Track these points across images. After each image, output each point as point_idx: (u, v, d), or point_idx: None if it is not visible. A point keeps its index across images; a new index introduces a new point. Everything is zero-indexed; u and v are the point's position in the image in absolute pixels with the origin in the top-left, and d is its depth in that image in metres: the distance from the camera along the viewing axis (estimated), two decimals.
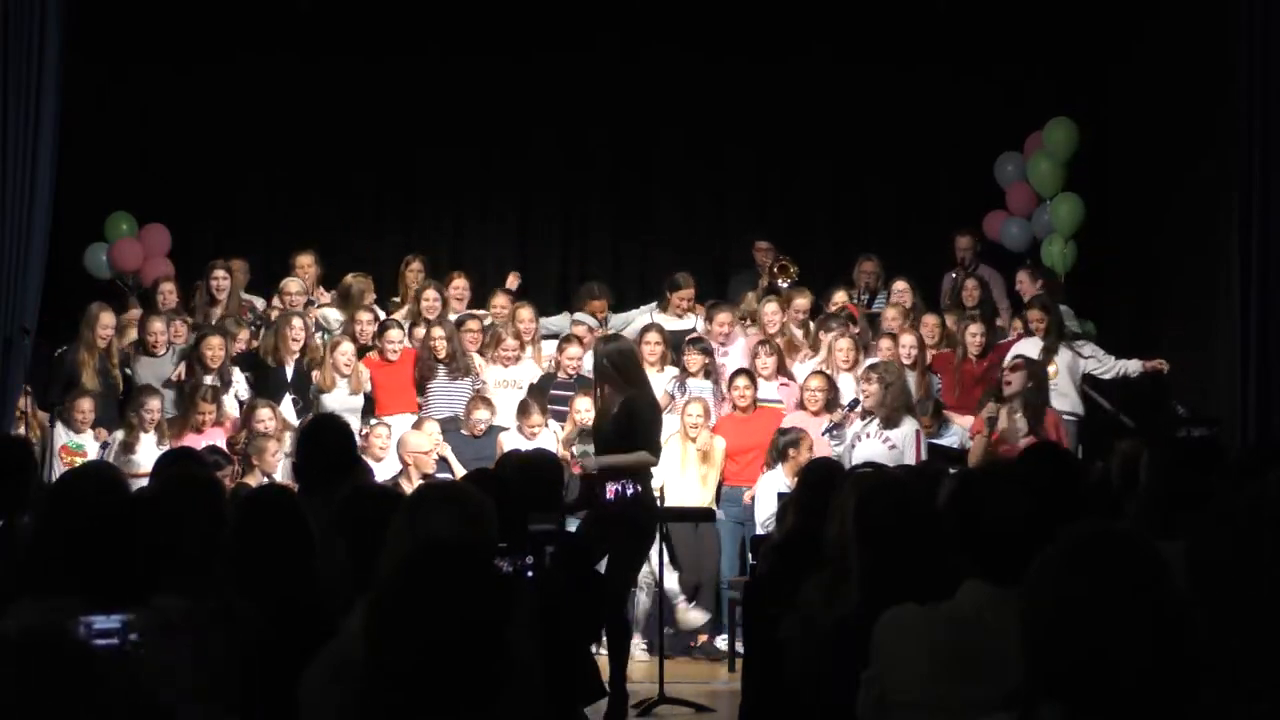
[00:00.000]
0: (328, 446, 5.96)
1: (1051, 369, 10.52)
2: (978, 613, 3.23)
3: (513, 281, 12.26)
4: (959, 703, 3.13)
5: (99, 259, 12.20)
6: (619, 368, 8.46)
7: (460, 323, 11.27)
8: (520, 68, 13.16)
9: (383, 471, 9.92)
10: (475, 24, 13.12)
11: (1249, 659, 2.16)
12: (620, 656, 8.01)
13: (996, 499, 3.38)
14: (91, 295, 11.34)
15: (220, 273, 11.51)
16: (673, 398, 10.58)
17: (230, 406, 10.56)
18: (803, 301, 11.67)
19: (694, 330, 11.49)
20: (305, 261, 11.90)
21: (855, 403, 10.21)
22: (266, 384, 10.75)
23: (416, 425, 10.50)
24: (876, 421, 9.96)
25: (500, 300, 11.77)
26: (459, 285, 11.88)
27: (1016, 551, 3.03)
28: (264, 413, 10.13)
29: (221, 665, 3.48)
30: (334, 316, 11.58)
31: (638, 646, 9.73)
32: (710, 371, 10.85)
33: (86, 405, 10.30)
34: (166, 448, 9.79)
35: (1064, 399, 10.56)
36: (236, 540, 4.13)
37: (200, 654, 3.43)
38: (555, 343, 11.46)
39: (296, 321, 10.92)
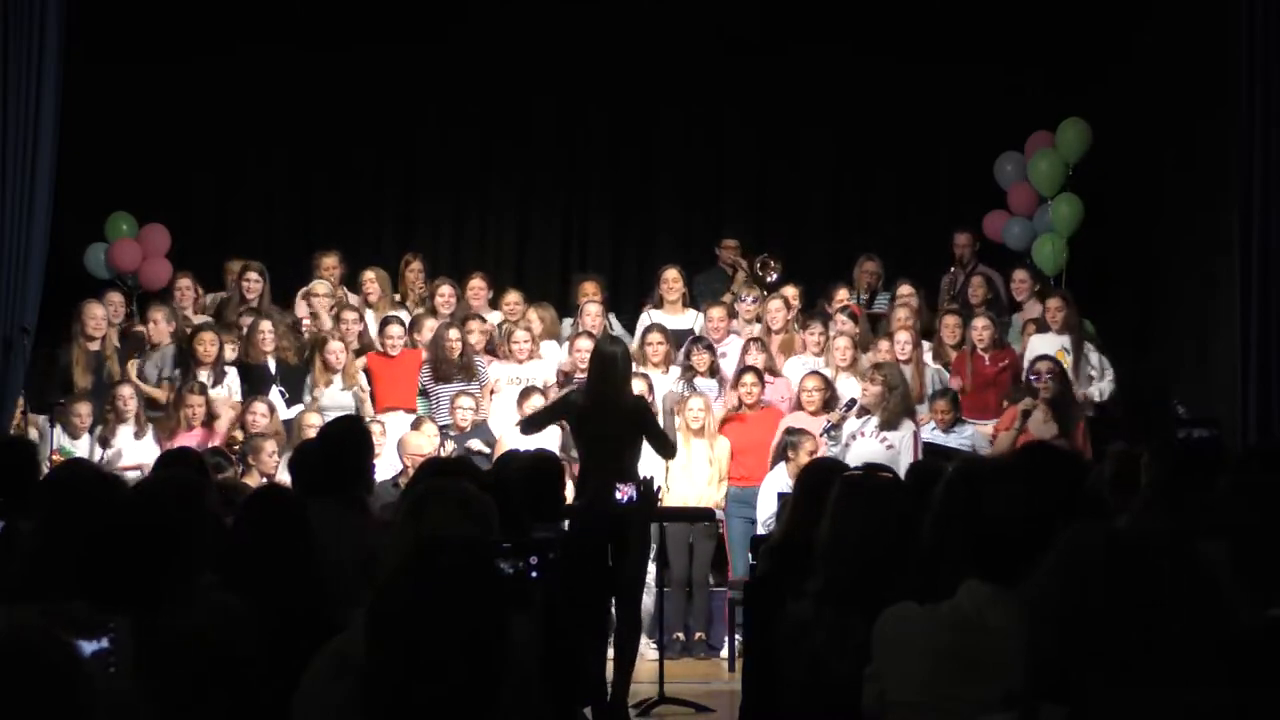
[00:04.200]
0: (346, 449, 5.95)
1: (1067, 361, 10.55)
2: (978, 613, 3.23)
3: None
4: (959, 702, 3.12)
5: (99, 259, 12.20)
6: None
7: (464, 321, 11.25)
8: (520, 66, 13.16)
9: (381, 471, 9.87)
10: (474, 22, 13.12)
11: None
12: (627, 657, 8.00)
13: (996, 499, 3.37)
14: (92, 295, 11.34)
15: (254, 275, 11.50)
16: (684, 396, 10.55)
17: (223, 406, 10.51)
18: (793, 291, 11.68)
19: (691, 329, 11.48)
20: (330, 263, 11.89)
21: (853, 402, 10.19)
22: (253, 380, 10.76)
23: (416, 425, 10.45)
24: (874, 421, 9.94)
25: (512, 298, 11.77)
26: (476, 285, 11.88)
27: (1016, 551, 3.03)
28: (260, 407, 10.15)
29: (196, 689, 3.44)
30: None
31: (647, 646, 9.73)
32: (716, 370, 10.85)
33: (84, 410, 10.22)
34: (148, 439, 9.94)
35: None
36: (239, 542, 4.12)
37: (174, 679, 3.39)
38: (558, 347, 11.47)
39: (265, 324, 10.91)
